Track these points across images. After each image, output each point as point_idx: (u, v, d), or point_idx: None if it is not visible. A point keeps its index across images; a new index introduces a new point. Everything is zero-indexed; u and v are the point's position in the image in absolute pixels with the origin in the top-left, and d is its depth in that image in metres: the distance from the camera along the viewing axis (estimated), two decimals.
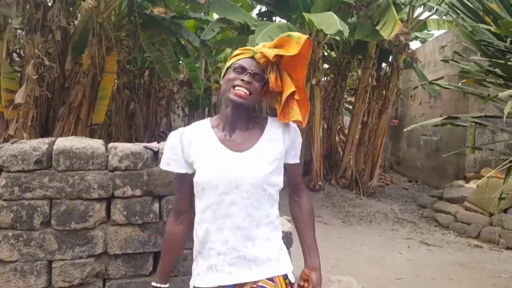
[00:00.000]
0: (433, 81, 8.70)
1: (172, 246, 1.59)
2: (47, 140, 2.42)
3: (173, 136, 1.55)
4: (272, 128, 1.53)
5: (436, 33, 10.23)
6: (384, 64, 9.30)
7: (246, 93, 1.44)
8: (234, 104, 1.45)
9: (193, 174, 1.49)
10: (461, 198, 6.80)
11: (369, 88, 8.57)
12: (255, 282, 1.44)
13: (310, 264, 1.58)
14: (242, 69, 1.46)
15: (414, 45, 13.68)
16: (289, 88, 1.50)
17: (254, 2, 10.29)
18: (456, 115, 3.56)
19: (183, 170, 1.52)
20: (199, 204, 1.49)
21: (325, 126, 9.36)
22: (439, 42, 9.80)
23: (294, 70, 1.52)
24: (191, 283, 1.52)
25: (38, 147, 2.27)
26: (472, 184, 7.08)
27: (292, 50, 1.46)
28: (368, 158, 8.83)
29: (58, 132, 6.05)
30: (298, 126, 1.58)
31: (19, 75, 5.85)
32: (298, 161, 1.59)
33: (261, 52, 1.47)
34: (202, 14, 9.53)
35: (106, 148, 2.40)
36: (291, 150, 1.55)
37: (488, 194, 4.92)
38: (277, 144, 1.51)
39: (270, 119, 1.57)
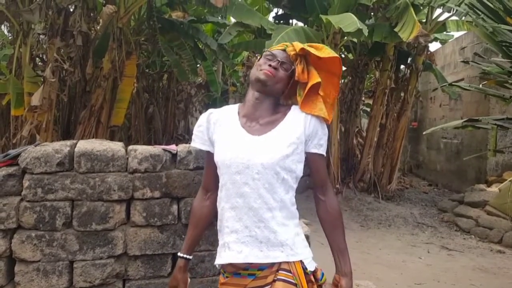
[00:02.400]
0: (453, 83, 8.60)
1: (197, 220, 1.66)
2: (69, 142, 2.47)
3: (203, 115, 1.66)
4: (295, 113, 1.55)
5: (456, 34, 10.09)
6: (402, 66, 9.21)
7: (271, 74, 1.51)
8: (258, 82, 1.52)
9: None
10: (482, 202, 6.67)
11: (387, 90, 8.49)
12: (272, 271, 1.45)
13: (341, 270, 1.55)
14: (273, 56, 1.56)
15: (434, 46, 13.52)
16: (315, 79, 1.53)
17: (270, 5, 10.31)
18: (477, 118, 3.51)
19: (205, 147, 1.62)
20: (220, 183, 1.56)
21: (343, 129, 9.30)
22: (459, 43, 9.66)
23: (326, 83, 1.58)
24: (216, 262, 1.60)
25: (60, 149, 2.32)
26: (494, 188, 6.94)
27: (322, 53, 1.53)
28: (386, 161, 8.74)
29: (80, 134, 6.16)
30: None
31: (42, 79, 5.98)
32: (322, 153, 1.56)
33: (292, 44, 1.57)
34: (220, 18, 9.60)
35: (126, 150, 2.43)
36: (313, 138, 1.52)
37: (511, 198, 4.82)
38: (297, 129, 1.51)
39: (294, 107, 1.58)
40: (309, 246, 2.58)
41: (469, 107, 9.00)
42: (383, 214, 7.36)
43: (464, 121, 3.43)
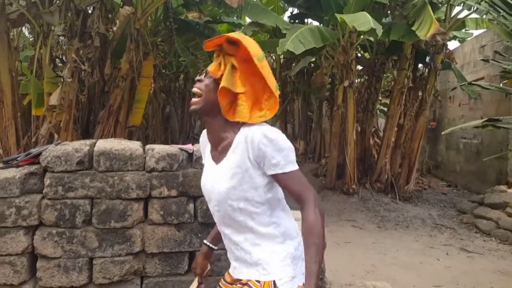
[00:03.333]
0: (473, 82, 8.45)
1: None
2: (88, 142, 2.52)
3: (201, 136, 1.65)
4: (239, 139, 1.41)
5: (475, 32, 9.91)
6: (420, 65, 9.08)
7: (195, 98, 1.45)
8: (193, 113, 1.47)
9: None
10: (503, 204, 6.54)
11: (405, 89, 8.39)
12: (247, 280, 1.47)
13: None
14: (200, 76, 1.50)
15: (452, 45, 13.32)
16: (237, 87, 1.40)
17: (286, 5, 10.30)
18: (498, 117, 3.45)
19: None
20: None
21: (359, 129, 9.23)
22: (479, 41, 9.48)
23: (250, 74, 1.43)
24: None
25: (80, 148, 2.37)
26: None
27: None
28: (404, 162, 8.63)
29: (99, 134, 6.26)
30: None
31: (62, 79, 6.10)
32: (282, 171, 1.38)
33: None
34: (235, 18, 9.63)
35: (144, 150, 2.47)
36: (263, 161, 1.38)
37: None
38: (239, 157, 1.40)
39: (241, 130, 1.42)
40: (325, 246, 2.57)
41: (489, 106, 8.84)
42: (400, 215, 7.27)
43: (484, 121, 3.38)
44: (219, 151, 1.46)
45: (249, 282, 1.45)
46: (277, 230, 1.47)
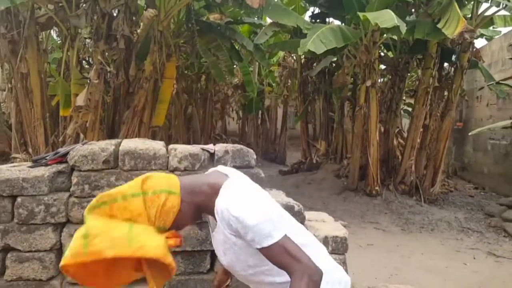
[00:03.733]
0: (501, 81, 8.23)
1: None
2: (113, 141, 2.57)
3: None
4: (217, 211, 1.31)
5: (503, 30, 9.65)
6: (446, 64, 8.89)
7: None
8: None
9: None
10: None
11: (430, 89, 8.23)
12: None
13: None
14: None
15: (479, 43, 13.01)
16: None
17: (307, 4, 10.25)
18: None
19: None
20: None
21: (382, 129, 9.11)
22: (507, 39, 9.24)
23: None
24: None
25: (106, 148, 2.42)
26: None
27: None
28: (429, 163, 8.48)
29: (123, 134, 6.38)
30: None
31: (88, 81, 6.24)
32: (260, 246, 1.25)
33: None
34: (256, 18, 9.65)
35: (167, 149, 2.51)
36: (241, 236, 1.28)
37: None
38: (221, 233, 1.34)
39: (217, 198, 1.32)
40: (347, 247, 2.55)
41: None
42: (425, 217, 7.14)
43: None
44: (213, 218, 1.38)
45: None
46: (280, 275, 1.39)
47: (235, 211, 1.24)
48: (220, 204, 1.28)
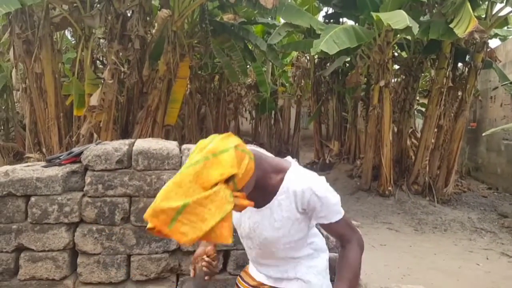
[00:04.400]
0: None
1: None
2: (127, 141, 2.60)
3: None
4: (284, 189, 1.41)
5: None
6: (460, 64, 8.79)
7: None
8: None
9: None
10: None
11: (443, 89, 8.14)
12: None
13: None
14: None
15: (494, 43, 12.83)
16: None
17: (321, 5, 10.22)
18: None
19: None
20: None
21: (395, 130, 9.04)
22: None
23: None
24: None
25: (120, 148, 2.44)
26: None
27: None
28: (443, 164, 8.39)
29: (137, 134, 6.42)
30: None
31: (102, 81, 6.29)
32: (328, 222, 1.43)
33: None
34: (269, 19, 9.64)
35: (180, 149, 2.52)
36: (312, 213, 1.42)
37: None
38: (288, 211, 1.41)
39: (285, 178, 1.42)
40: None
41: None
42: (438, 218, 7.08)
43: None
44: (262, 194, 1.41)
45: None
46: (312, 248, 1.56)
47: (319, 192, 1.39)
48: (301, 184, 1.38)
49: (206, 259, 1.58)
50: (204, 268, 1.55)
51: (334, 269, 1.51)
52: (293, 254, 1.52)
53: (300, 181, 1.39)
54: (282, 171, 1.42)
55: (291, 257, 1.52)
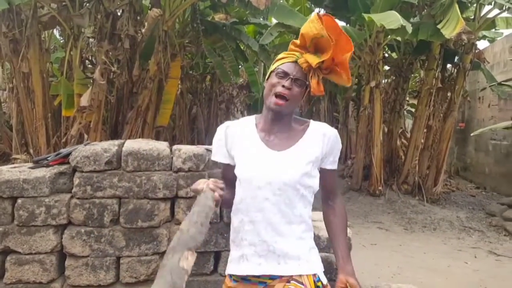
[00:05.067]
0: (503, 82, 8.21)
1: None
2: (116, 142, 2.57)
3: (220, 129, 1.64)
4: (313, 132, 1.55)
5: (505, 32, 9.62)
6: (449, 65, 8.88)
7: (283, 102, 1.48)
8: (272, 111, 1.52)
9: (235, 166, 1.56)
10: None
11: (433, 90, 8.22)
12: (283, 280, 1.46)
13: (346, 270, 1.52)
14: (285, 74, 1.50)
15: (482, 44, 12.96)
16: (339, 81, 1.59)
17: (312, 5, 10.24)
18: None
19: (226, 160, 1.60)
20: (237, 195, 1.55)
21: (386, 130, 9.09)
22: (509, 41, 9.21)
23: (340, 61, 1.53)
24: (226, 271, 1.58)
25: (109, 148, 2.41)
26: None
27: (327, 47, 1.49)
28: (432, 163, 8.46)
29: (127, 134, 6.36)
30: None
31: (91, 81, 6.23)
32: (335, 168, 1.59)
33: (304, 58, 1.51)
34: (261, 19, 9.63)
35: (171, 150, 2.50)
36: (329, 156, 1.55)
37: None
38: (315, 148, 1.52)
39: (312, 124, 1.59)
40: (351, 247, 2.56)
41: None
42: (427, 217, 7.14)
43: None
44: (281, 139, 1.53)
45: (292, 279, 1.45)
46: (311, 226, 1.58)
47: (339, 139, 1.60)
48: (329, 128, 1.58)
49: (212, 179, 1.50)
50: (211, 185, 1.43)
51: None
52: (305, 215, 1.52)
53: (326, 125, 1.58)
54: (305, 121, 1.60)
55: (303, 218, 1.51)
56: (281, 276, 1.46)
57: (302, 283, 1.45)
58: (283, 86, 1.48)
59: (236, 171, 1.53)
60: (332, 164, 1.58)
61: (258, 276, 1.49)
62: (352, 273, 1.52)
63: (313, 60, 1.49)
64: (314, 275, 1.49)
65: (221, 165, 1.64)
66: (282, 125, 1.55)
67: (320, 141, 1.53)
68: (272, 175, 1.47)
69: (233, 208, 1.57)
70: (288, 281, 1.45)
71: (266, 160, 1.50)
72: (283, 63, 1.53)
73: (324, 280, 1.51)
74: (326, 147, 1.54)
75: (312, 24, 1.50)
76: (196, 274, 2.44)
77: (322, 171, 1.56)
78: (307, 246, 1.52)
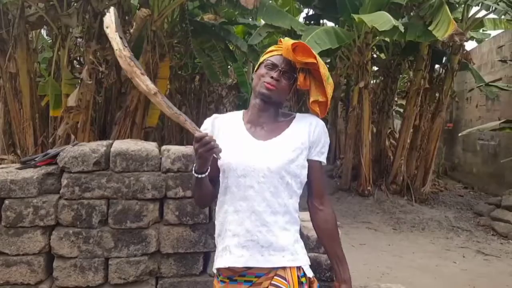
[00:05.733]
0: (490, 83, 8.33)
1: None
2: (105, 142, 2.55)
3: (207, 119, 1.65)
4: (299, 121, 1.58)
5: (493, 33, 9.76)
6: (437, 66, 8.98)
7: (273, 87, 1.52)
8: (262, 96, 1.53)
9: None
10: None
11: (421, 90, 8.30)
12: (269, 278, 1.45)
13: (340, 277, 1.53)
14: (273, 66, 1.54)
15: (470, 45, 13.14)
16: (313, 95, 1.56)
17: (301, 6, 10.28)
18: None
19: None
20: (221, 186, 1.56)
21: (374, 130, 9.16)
22: (497, 42, 9.34)
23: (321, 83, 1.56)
24: (212, 268, 1.59)
25: (97, 149, 2.39)
26: None
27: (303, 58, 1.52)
28: (420, 163, 8.54)
29: (115, 135, 6.31)
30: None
31: (79, 81, 6.17)
32: (323, 160, 1.57)
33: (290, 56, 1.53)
34: (250, 19, 9.64)
35: (160, 150, 2.49)
36: (316, 146, 1.55)
37: None
38: (301, 135, 1.54)
39: (298, 115, 1.62)
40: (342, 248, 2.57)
41: (507, 108, 8.69)
42: (416, 217, 7.20)
43: (502, 122, 3.32)
44: (267, 130, 1.55)
45: (273, 282, 1.43)
46: (298, 217, 1.57)
47: (326, 129, 1.61)
48: (316, 119, 1.59)
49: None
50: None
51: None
52: (290, 206, 1.51)
53: (314, 116, 1.59)
54: (291, 114, 1.63)
55: (287, 208, 1.50)
56: (266, 273, 1.46)
57: (285, 279, 1.44)
58: (271, 77, 1.52)
59: (221, 161, 1.53)
60: (318, 155, 1.56)
61: (242, 274, 1.48)
62: (346, 280, 1.52)
63: (293, 58, 1.53)
64: (299, 268, 1.48)
65: None
66: (268, 116, 1.57)
67: (306, 129, 1.55)
68: (256, 162, 1.48)
69: (218, 202, 1.58)
70: (273, 277, 1.45)
71: (250, 148, 1.51)
72: (272, 55, 1.57)
73: (310, 274, 1.51)
74: (313, 136, 1.54)
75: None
76: (185, 275, 2.43)
77: (309, 163, 1.55)
78: (292, 238, 1.50)
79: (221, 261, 1.50)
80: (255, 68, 1.63)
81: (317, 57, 1.52)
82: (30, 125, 6.48)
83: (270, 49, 1.61)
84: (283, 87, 1.54)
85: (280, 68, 1.53)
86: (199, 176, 1.48)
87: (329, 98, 1.57)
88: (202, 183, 1.51)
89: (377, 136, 9.22)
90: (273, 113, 1.58)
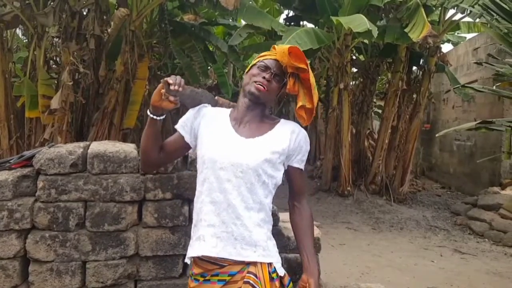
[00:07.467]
0: (466, 85, 8.50)
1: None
2: (82, 144, 2.50)
3: (198, 106, 1.75)
4: (282, 127, 1.63)
5: (469, 35, 9.99)
6: (414, 68, 9.14)
7: (264, 88, 1.58)
8: (251, 95, 1.59)
9: (187, 142, 1.67)
10: (496, 205, 6.59)
11: (399, 92, 8.43)
12: (243, 277, 1.48)
13: (309, 271, 1.58)
14: (266, 68, 1.61)
15: (446, 47, 13.41)
16: (301, 100, 1.61)
17: (281, 7, 10.32)
18: (491, 119, 3.46)
19: (183, 131, 1.69)
20: (199, 177, 1.61)
21: (354, 131, 9.25)
22: (472, 44, 9.56)
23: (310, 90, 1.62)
24: (186, 259, 1.65)
25: (74, 151, 2.35)
26: (509, 191, 6.85)
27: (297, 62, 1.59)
28: (398, 164, 8.67)
29: (93, 136, 6.22)
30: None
31: (56, 81, 6.06)
32: (302, 168, 1.65)
33: (283, 60, 1.60)
34: (230, 20, 9.63)
35: (138, 152, 2.46)
36: (297, 154, 1.62)
37: None
38: (283, 142, 1.59)
39: (282, 121, 1.67)
40: (320, 247, 2.59)
41: (482, 109, 8.90)
42: (395, 217, 7.30)
43: (478, 123, 3.39)
44: (251, 129, 1.60)
45: (246, 279, 1.46)
46: (271, 218, 1.62)
47: (307, 139, 1.67)
48: (298, 127, 1.64)
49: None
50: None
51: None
52: (265, 204, 1.55)
53: (297, 125, 1.65)
54: (276, 118, 1.69)
55: (262, 206, 1.55)
56: (239, 271, 1.49)
57: (256, 275, 1.47)
58: (263, 77, 1.58)
59: (201, 151, 1.60)
60: (299, 162, 1.63)
61: (215, 274, 1.51)
62: (314, 274, 1.57)
63: (287, 61, 1.60)
64: (270, 265, 1.52)
65: (177, 134, 1.71)
66: (254, 116, 1.62)
67: (288, 136, 1.60)
68: (235, 157, 1.53)
69: (196, 191, 1.63)
70: (245, 276, 1.48)
71: (232, 144, 1.57)
72: (266, 59, 1.64)
73: (281, 272, 1.55)
74: (294, 144, 1.59)
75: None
76: (164, 278, 2.41)
77: (290, 169, 1.63)
78: (265, 235, 1.56)
79: (194, 250, 1.55)
80: (247, 69, 1.69)
81: (308, 64, 1.59)
82: (5, 127, 6.33)
83: (263, 53, 1.68)
84: (273, 89, 1.61)
85: (272, 71, 1.60)
86: (154, 117, 1.62)
87: (315, 106, 1.63)
88: (153, 127, 1.66)
89: (356, 136, 9.32)
90: (259, 113, 1.64)
